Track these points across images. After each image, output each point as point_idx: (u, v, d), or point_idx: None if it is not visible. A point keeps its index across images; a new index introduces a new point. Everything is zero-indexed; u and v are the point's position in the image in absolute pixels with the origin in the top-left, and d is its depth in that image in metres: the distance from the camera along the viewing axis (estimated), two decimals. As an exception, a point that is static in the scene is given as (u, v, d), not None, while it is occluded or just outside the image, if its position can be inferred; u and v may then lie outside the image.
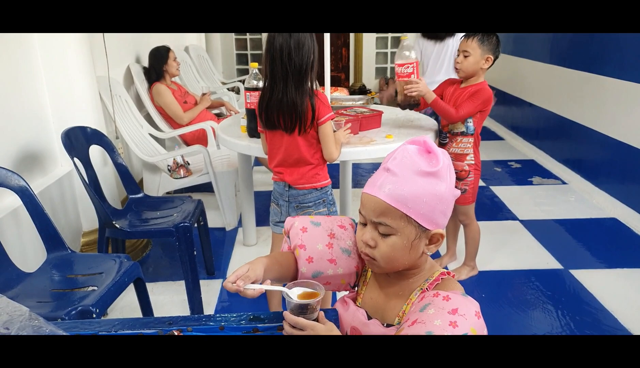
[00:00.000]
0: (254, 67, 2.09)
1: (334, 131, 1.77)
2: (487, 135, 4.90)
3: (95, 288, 1.50)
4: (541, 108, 4.20)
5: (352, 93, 6.53)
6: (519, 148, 4.41)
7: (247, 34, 6.66)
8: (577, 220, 2.97)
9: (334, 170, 3.33)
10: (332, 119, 1.67)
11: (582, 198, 3.28)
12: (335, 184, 3.21)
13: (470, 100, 2.05)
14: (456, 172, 2.18)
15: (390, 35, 6.68)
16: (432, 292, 0.79)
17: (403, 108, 2.18)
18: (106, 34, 2.56)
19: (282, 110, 1.60)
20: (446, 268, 2.41)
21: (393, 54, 6.74)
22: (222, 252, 2.63)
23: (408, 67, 2.07)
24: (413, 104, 2.15)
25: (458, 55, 2.08)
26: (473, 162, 2.16)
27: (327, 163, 1.78)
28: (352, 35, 6.55)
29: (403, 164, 0.80)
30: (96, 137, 2.08)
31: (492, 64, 2.08)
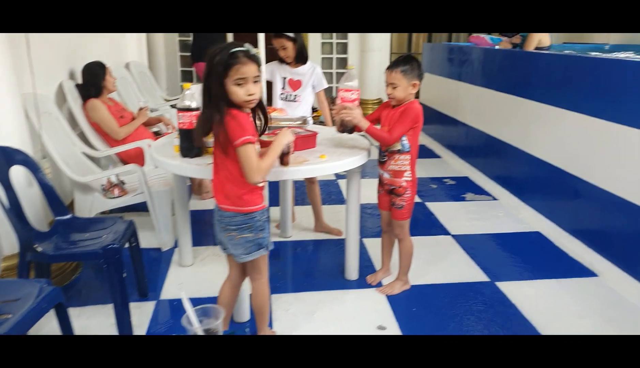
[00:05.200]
0: (186, 87, 2.10)
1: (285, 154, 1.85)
2: (426, 153, 5.10)
3: (10, 315, 1.43)
4: (474, 128, 4.44)
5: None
6: (454, 165, 4.62)
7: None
8: (504, 234, 3.14)
9: (274, 187, 3.35)
10: (251, 143, 1.63)
11: (510, 213, 3.47)
12: (275, 201, 3.25)
13: (399, 122, 2.16)
14: (395, 188, 2.28)
15: (335, 56, 6.84)
16: None
17: (341, 132, 2.29)
18: (34, 49, 2.49)
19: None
20: (380, 284, 2.49)
21: (338, 74, 6.91)
22: (158, 272, 2.58)
23: (353, 93, 2.20)
24: (349, 129, 2.26)
25: (387, 87, 2.19)
26: (410, 179, 2.26)
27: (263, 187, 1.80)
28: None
29: None
30: (18, 156, 2.01)
31: (420, 83, 2.21)
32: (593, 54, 4.83)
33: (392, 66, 2.18)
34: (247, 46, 1.62)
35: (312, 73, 2.94)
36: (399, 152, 2.21)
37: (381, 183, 2.35)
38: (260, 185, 1.76)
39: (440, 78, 5.32)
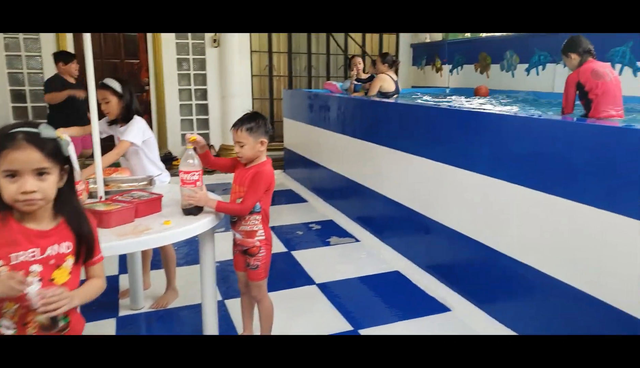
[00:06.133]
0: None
1: None
2: (293, 198, 5.13)
3: None
4: (335, 172, 4.58)
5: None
6: (320, 209, 4.69)
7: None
8: (367, 276, 3.21)
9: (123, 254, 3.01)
10: None
11: (371, 254, 3.58)
12: (124, 268, 2.94)
13: (252, 189, 2.09)
14: (248, 249, 2.18)
15: (194, 102, 6.67)
16: None
17: (186, 214, 2.11)
18: None
19: None
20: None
21: (199, 120, 6.73)
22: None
23: (194, 174, 2.08)
24: (194, 212, 2.11)
25: (235, 145, 2.13)
26: (264, 237, 2.19)
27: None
28: (153, 101, 6.37)
29: None
30: None
31: (270, 141, 2.18)
32: (423, 101, 5.35)
33: (238, 124, 2.13)
34: (42, 127, 1.21)
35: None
36: (250, 212, 2.14)
37: (235, 243, 2.24)
38: None
39: (301, 124, 5.46)
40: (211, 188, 4.85)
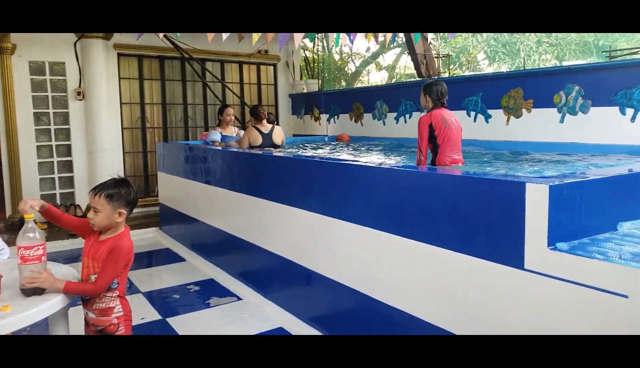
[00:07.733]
0: None
1: None
2: (169, 257, 4.82)
3: None
4: (214, 227, 4.43)
5: (9, 227, 5.52)
6: (200, 267, 4.46)
7: None
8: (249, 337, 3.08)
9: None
10: None
11: (254, 312, 3.45)
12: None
13: (108, 266, 1.89)
14: (104, 328, 1.95)
15: (56, 159, 6.07)
16: None
17: (28, 295, 1.83)
18: None
19: None
20: None
21: (62, 178, 6.14)
22: None
23: (38, 249, 1.83)
24: (40, 290, 1.84)
25: (90, 210, 1.93)
26: (122, 313, 1.99)
27: None
28: (4, 160, 5.66)
29: None
30: None
31: (131, 213, 2.01)
32: (301, 153, 5.50)
33: (98, 189, 1.94)
34: None
35: None
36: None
37: (87, 323, 1.99)
38: None
39: (177, 177, 5.24)
40: (77, 253, 4.43)
